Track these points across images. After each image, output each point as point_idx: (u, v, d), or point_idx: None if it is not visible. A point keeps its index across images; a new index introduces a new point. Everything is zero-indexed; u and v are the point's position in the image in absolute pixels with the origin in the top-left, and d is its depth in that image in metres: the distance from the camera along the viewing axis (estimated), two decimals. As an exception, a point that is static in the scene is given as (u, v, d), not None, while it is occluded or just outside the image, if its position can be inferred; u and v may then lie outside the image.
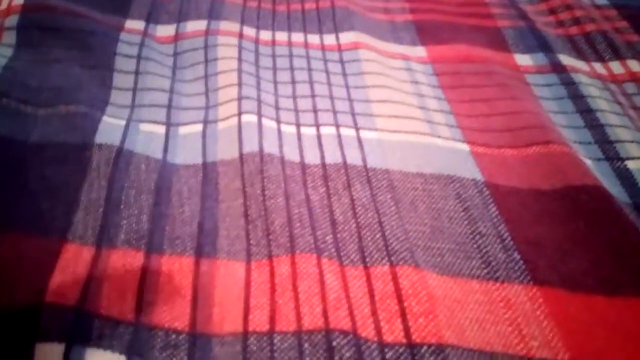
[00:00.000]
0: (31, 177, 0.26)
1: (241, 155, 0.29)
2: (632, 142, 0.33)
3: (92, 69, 0.34)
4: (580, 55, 0.41)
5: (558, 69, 0.38)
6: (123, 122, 0.31)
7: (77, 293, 0.21)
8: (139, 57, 0.36)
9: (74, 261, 0.23)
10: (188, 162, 0.29)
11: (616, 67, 0.40)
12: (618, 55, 0.40)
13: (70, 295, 0.21)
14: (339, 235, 0.25)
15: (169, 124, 0.31)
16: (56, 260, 0.23)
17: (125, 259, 0.23)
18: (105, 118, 0.30)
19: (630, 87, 0.38)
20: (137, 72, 0.35)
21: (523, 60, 0.40)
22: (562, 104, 0.36)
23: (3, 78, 0.32)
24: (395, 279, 0.23)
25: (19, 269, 0.22)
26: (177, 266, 0.24)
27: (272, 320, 0.22)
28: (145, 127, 0.31)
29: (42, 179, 0.26)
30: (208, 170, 0.29)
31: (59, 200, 0.25)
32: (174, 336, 0.21)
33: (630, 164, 0.31)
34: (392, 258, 0.24)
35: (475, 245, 0.26)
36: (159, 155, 0.29)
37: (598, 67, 0.40)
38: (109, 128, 0.30)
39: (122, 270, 0.23)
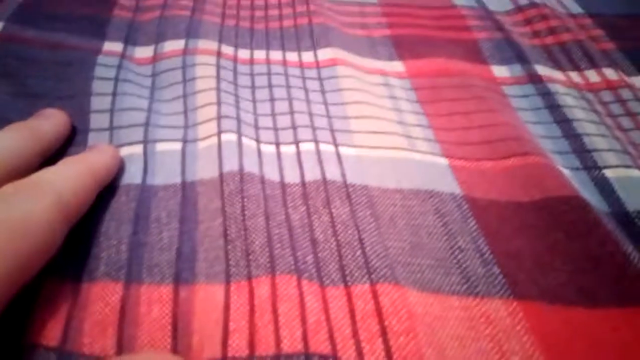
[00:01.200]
0: None
1: (221, 175, 0.29)
2: (609, 150, 0.33)
3: (71, 98, 0.34)
4: (556, 65, 0.41)
5: (534, 79, 0.39)
6: None
7: (59, 332, 0.21)
8: (116, 79, 0.36)
9: (54, 297, 0.22)
10: (167, 182, 0.29)
11: (592, 75, 0.40)
12: (593, 64, 0.41)
13: (52, 335, 0.21)
14: (319, 255, 0.25)
15: (146, 142, 0.31)
16: (37, 297, 0.22)
17: (105, 292, 0.23)
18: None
19: (606, 96, 0.38)
20: (114, 94, 0.35)
21: (500, 71, 0.40)
22: (540, 115, 0.36)
23: None
24: (375, 297, 0.23)
25: None
26: (156, 295, 0.23)
27: (251, 344, 0.21)
28: (124, 151, 0.31)
29: None
30: (187, 191, 0.28)
31: None
32: None
33: (608, 173, 0.31)
34: (372, 276, 0.24)
35: (454, 261, 0.26)
36: (138, 179, 0.29)
37: (574, 76, 0.40)
38: None
39: (102, 304, 0.23)
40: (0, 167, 0.24)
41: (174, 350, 0.21)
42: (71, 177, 0.24)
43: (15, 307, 0.22)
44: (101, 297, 0.23)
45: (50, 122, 0.30)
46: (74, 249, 0.25)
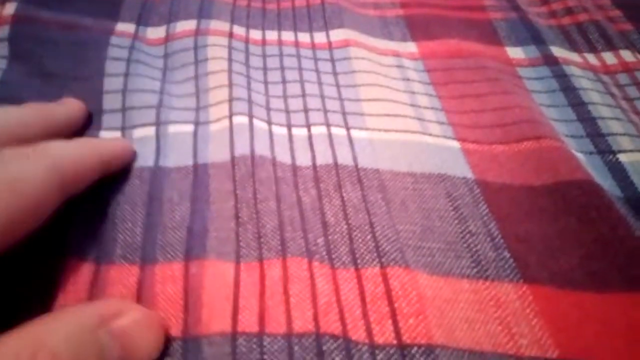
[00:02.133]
0: None
1: (233, 158, 0.29)
2: (624, 134, 0.32)
3: (85, 79, 0.35)
4: (572, 46, 0.41)
5: (550, 61, 0.38)
6: (118, 135, 0.31)
7: None
8: (128, 60, 0.36)
9: (74, 279, 0.23)
10: (179, 163, 0.29)
11: (609, 57, 0.39)
12: (611, 46, 0.40)
13: None
14: (330, 238, 0.26)
15: (158, 124, 0.31)
16: (57, 279, 0.23)
17: (121, 274, 0.24)
18: (102, 134, 0.31)
19: (623, 78, 0.38)
20: (126, 74, 0.35)
21: (515, 53, 0.40)
22: (554, 97, 0.36)
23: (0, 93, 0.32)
24: (385, 280, 0.24)
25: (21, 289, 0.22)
26: (169, 273, 0.24)
27: (261, 321, 0.22)
28: (137, 133, 0.31)
29: None
30: (199, 172, 0.29)
31: (57, 216, 0.25)
32: (169, 345, 0.21)
33: (622, 157, 0.31)
34: (383, 259, 0.24)
35: (465, 244, 0.26)
36: (150, 161, 0.29)
37: (591, 58, 0.40)
38: None
39: (120, 285, 0.23)
40: (4, 133, 0.24)
41: (185, 324, 0.22)
42: (71, 148, 0.24)
43: (35, 289, 0.23)
44: (119, 279, 0.23)
45: (64, 107, 0.30)
46: (92, 232, 0.25)
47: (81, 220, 0.26)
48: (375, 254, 0.25)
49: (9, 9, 0.39)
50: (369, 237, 0.25)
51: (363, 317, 0.22)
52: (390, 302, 0.23)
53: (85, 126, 0.32)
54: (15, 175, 0.20)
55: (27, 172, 0.21)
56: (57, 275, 0.23)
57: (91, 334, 0.18)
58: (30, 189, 0.20)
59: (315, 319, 0.22)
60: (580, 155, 0.31)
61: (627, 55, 0.39)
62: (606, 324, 0.23)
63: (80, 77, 0.35)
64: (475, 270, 0.25)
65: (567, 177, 0.29)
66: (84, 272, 0.24)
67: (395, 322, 0.22)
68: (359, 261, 0.25)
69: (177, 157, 0.30)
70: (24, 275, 0.23)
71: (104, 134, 0.31)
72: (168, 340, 0.21)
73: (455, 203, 0.28)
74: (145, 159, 0.29)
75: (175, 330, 0.22)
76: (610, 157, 0.31)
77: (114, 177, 0.29)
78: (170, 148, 0.30)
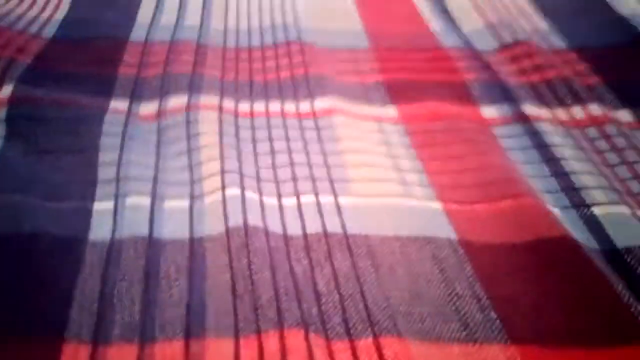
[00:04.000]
0: (25, 272, 0.28)
1: (227, 230, 0.30)
2: (597, 187, 0.34)
3: (79, 152, 0.36)
4: (542, 102, 0.43)
5: (522, 118, 0.41)
6: (111, 204, 0.32)
7: None
8: (123, 135, 0.38)
9: None
10: (175, 236, 0.30)
11: (578, 112, 0.42)
12: (579, 100, 0.43)
13: None
14: (323, 308, 0.27)
15: (154, 196, 0.33)
16: None
17: (121, 354, 0.24)
18: (95, 207, 0.32)
19: (592, 132, 0.40)
20: (121, 148, 0.36)
21: (489, 112, 0.42)
22: (528, 154, 0.38)
23: None
24: (379, 350, 0.24)
25: None
26: (169, 351, 0.25)
27: None
28: (130, 200, 0.32)
29: (37, 273, 0.28)
30: (195, 247, 0.30)
31: (54, 296, 0.26)
32: None
33: (597, 210, 0.33)
34: (375, 328, 0.25)
35: (453, 307, 0.27)
36: (145, 230, 0.30)
37: (560, 113, 0.42)
38: (100, 220, 0.31)
39: None
40: None
41: None
42: None
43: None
44: (118, 359, 0.24)
45: None
46: (88, 312, 0.26)
47: (78, 301, 0.26)
48: (367, 324, 0.26)
49: (6, 90, 0.41)
50: (360, 306, 0.26)
51: (359, 389, 0.23)
52: (385, 373, 0.23)
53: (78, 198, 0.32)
54: None
55: None
56: (55, 359, 0.24)
57: None
58: None
59: (314, 393, 0.22)
60: (556, 210, 0.33)
61: (594, 109, 0.42)
62: (594, 382, 0.23)
63: (75, 151, 0.36)
64: (464, 333, 0.26)
65: (545, 234, 0.30)
66: (81, 354, 0.24)
67: (390, 393, 0.23)
68: (352, 331, 0.25)
69: (173, 229, 0.31)
70: (24, 358, 0.24)
71: (97, 205, 0.32)
72: None
73: (441, 265, 0.29)
74: (139, 227, 0.30)
75: None
76: (585, 210, 0.33)
77: (101, 245, 0.29)
78: (166, 221, 0.31)
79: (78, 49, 0.48)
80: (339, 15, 0.56)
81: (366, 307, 0.26)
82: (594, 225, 0.32)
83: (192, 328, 0.25)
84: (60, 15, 0.54)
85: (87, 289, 0.27)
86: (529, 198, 0.33)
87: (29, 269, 0.28)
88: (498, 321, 0.26)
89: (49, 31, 0.51)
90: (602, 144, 0.39)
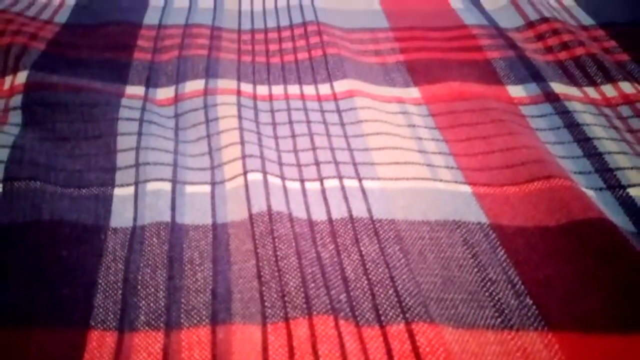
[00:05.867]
0: (48, 260, 0.27)
1: (250, 216, 0.29)
2: (632, 168, 0.33)
3: (97, 138, 0.36)
4: (572, 81, 0.41)
5: (551, 98, 0.39)
6: (132, 190, 0.32)
7: None
8: (141, 120, 0.37)
9: (99, 351, 0.23)
10: (197, 222, 0.30)
11: (609, 90, 0.40)
12: (609, 78, 0.41)
13: None
14: (352, 294, 0.26)
15: (175, 181, 0.32)
16: (82, 354, 0.23)
17: (147, 342, 0.24)
18: (116, 192, 0.31)
19: (624, 110, 0.38)
20: (139, 133, 0.36)
21: (516, 91, 0.40)
22: (559, 134, 0.36)
23: (13, 157, 0.33)
24: (412, 336, 0.24)
25: None
26: (195, 339, 0.24)
27: None
28: (151, 186, 0.32)
29: (59, 261, 0.27)
30: (218, 232, 0.29)
31: (78, 284, 0.26)
32: None
33: (632, 192, 0.32)
34: (407, 315, 0.25)
35: (487, 293, 0.26)
36: (167, 216, 0.30)
37: (591, 91, 0.40)
38: (121, 207, 0.30)
39: (145, 353, 0.23)
40: None
41: None
42: None
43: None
44: (143, 347, 0.24)
45: None
46: (113, 300, 0.26)
47: (101, 288, 0.26)
48: (399, 310, 0.25)
49: (20, 77, 0.40)
50: (390, 292, 0.26)
51: (392, 376, 0.22)
52: (419, 360, 0.23)
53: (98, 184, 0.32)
54: None
55: None
56: (81, 348, 0.24)
57: None
58: None
59: (346, 382, 0.22)
60: (590, 192, 0.32)
61: (626, 87, 0.40)
62: (635, 369, 0.23)
63: (91, 137, 0.36)
64: (499, 320, 0.25)
65: (580, 216, 0.29)
66: (108, 341, 0.24)
67: (425, 381, 0.22)
68: (382, 318, 0.25)
69: (195, 215, 0.30)
70: (48, 349, 0.24)
71: (117, 191, 0.31)
72: None
73: (472, 250, 0.28)
74: (160, 213, 0.30)
75: None
76: (620, 192, 0.32)
77: (123, 232, 0.29)
78: (187, 207, 0.31)
79: (91, 34, 0.47)
80: None
81: (396, 292, 0.26)
82: (630, 207, 0.31)
83: (219, 314, 0.25)
84: (71, 0, 0.53)
85: (111, 276, 0.26)
86: (561, 180, 0.31)
87: (51, 257, 0.27)
88: (534, 307, 0.25)
89: (62, 17, 0.50)
90: (636, 123, 0.37)
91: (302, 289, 0.26)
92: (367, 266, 0.27)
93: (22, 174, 0.31)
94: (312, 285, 0.26)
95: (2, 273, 0.26)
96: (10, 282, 0.26)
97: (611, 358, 0.23)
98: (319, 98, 0.39)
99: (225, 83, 0.40)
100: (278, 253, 0.27)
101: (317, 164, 0.34)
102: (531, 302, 0.25)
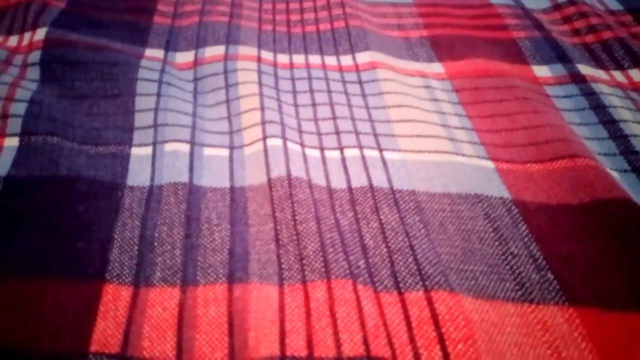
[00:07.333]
0: (64, 214, 0.27)
1: (269, 180, 0.29)
2: (658, 152, 0.32)
3: (115, 97, 0.35)
4: (598, 64, 0.41)
5: (577, 79, 0.38)
6: (150, 150, 0.31)
7: (119, 338, 0.22)
8: (160, 82, 0.37)
9: (114, 304, 0.23)
10: (215, 185, 0.29)
11: (636, 74, 0.39)
12: (637, 63, 0.40)
13: (113, 341, 0.22)
14: (370, 261, 0.26)
15: (193, 143, 0.32)
16: (97, 305, 0.23)
17: (162, 297, 0.24)
18: (133, 151, 0.31)
19: (651, 95, 0.38)
20: (158, 94, 0.35)
21: (541, 71, 0.40)
22: (584, 115, 0.36)
23: (30, 112, 0.32)
24: (431, 304, 0.23)
25: (62, 318, 0.22)
26: (211, 295, 0.24)
27: (309, 345, 0.22)
28: (169, 146, 0.31)
29: (75, 215, 0.27)
30: (236, 195, 0.29)
31: (94, 238, 0.26)
32: None
33: (658, 175, 0.31)
34: (427, 283, 0.24)
35: (508, 267, 0.26)
36: (185, 177, 0.29)
37: (617, 75, 0.40)
38: (138, 166, 0.30)
39: (160, 308, 0.23)
40: None
41: (232, 348, 0.22)
42: None
43: (79, 315, 0.23)
44: (159, 302, 0.23)
45: None
46: (130, 255, 0.25)
47: (117, 243, 0.26)
48: (418, 278, 0.24)
49: (40, 34, 0.40)
50: (410, 260, 0.25)
51: (410, 342, 0.22)
52: (437, 327, 0.23)
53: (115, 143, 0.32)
54: None
55: None
56: (96, 300, 0.23)
57: None
58: None
59: (365, 342, 0.22)
60: (614, 174, 0.31)
61: (653, 72, 0.39)
62: (657, 347, 0.22)
63: (110, 96, 0.35)
64: (519, 293, 0.24)
65: (604, 195, 0.29)
66: (123, 295, 0.24)
67: (443, 348, 0.22)
68: (401, 285, 0.24)
69: (213, 178, 0.30)
70: (63, 300, 0.24)
71: (135, 150, 0.31)
72: None
73: (494, 224, 0.28)
74: (178, 174, 0.29)
75: (220, 354, 0.22)
76: (646, 175, 0.31)
77: (140, 190, 0.29)
78: (206, 169, 0.30)
79: None
80: None
81: (416, 261, 0.25)
82: (655, 190, 0.30)
83: (235, 273, 0.25)
84: None
85: (127, 232, 0.26)
86: (585, 159, 0.31)
87: (67, 211, 0.27)
88: (555, 282, 0.25)
89: None
90: (663, 108, 0.36)
91: (320, 253, 0.25)
92: (387, 234, 0.27)
93: (40, 128, 0.31)
94: (331, 250, 0.26)
95: (18, 225, 0.26)
96: (26, 234, 0.25)
97: (631, 335, 0.23)
98: (340, 69, 0.39)
99: (246, 50, 0.39)
100: (297, 217, 0.27)
101: (337, 133, 0.33)
102: (552, 277, 0.25)
